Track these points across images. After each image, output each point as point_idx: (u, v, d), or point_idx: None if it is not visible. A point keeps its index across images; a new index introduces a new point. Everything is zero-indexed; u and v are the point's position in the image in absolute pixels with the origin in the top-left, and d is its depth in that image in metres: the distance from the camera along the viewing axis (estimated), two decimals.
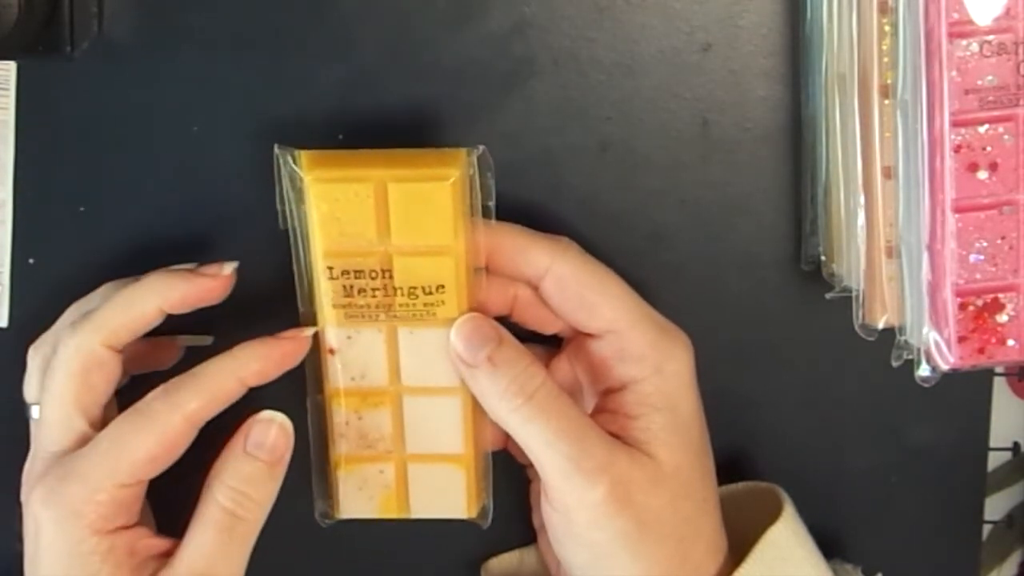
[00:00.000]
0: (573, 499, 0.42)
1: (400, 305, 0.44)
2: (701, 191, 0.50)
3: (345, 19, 0.48)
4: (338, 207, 0.43)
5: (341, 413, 0.46)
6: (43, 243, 0.50)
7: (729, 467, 0.51)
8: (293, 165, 0.43)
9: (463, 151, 0.43)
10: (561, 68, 0.49)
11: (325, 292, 0.44)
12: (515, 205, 0.49)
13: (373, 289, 0.44)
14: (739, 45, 0.49)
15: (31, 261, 0.50)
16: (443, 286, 0.43)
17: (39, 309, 0.50)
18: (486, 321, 0.44)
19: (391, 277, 0.43)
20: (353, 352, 0.45)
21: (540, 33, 0.49)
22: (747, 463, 0.52)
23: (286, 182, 0.44)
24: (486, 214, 0.44)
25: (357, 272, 0.43)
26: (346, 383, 0.45)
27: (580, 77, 0.49)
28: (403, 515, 0.47)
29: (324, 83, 0.49)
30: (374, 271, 0.43)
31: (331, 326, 0.45)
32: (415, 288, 0.43)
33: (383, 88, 0.49)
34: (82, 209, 0.50)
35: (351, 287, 0.44)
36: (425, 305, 0.44)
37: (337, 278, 0.44)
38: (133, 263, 0.50)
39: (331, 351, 0.45)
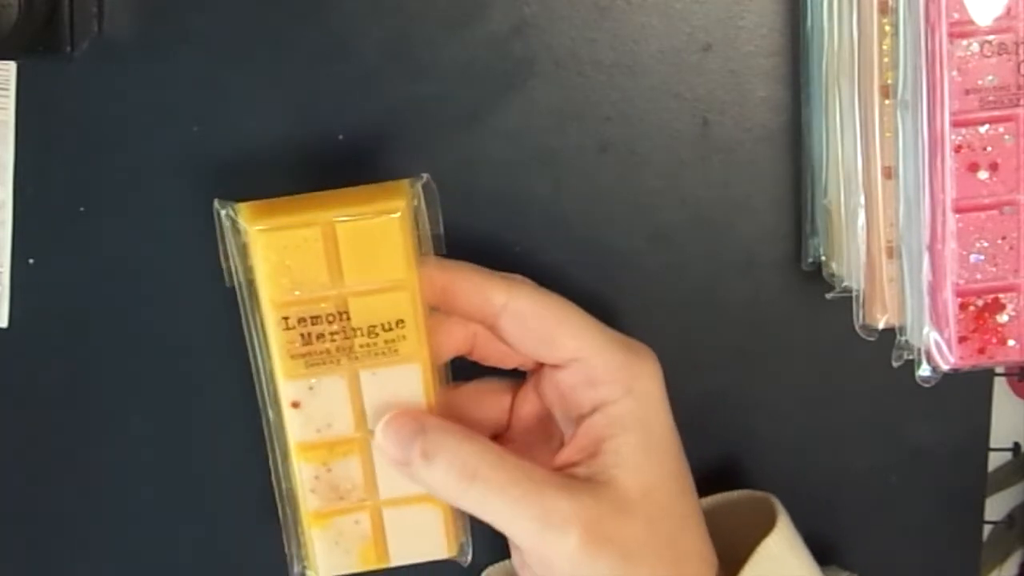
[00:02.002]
0: (550, 553, 0.42)
1: (361, 346, 0.43)
2: (701, 191, 0.50)
3: (345, 19, 0.48)
4: (287, 255, 0.42)
5: (309, 468, 0.45)
6: (43, 243, 0.50)
7: (728, 467, 0.51)
8: (235, 217, 0.42)
9: (406, 182, 0.43)
10: (561, 68, 0.49)
11: (282, 344, 0.43)
12: (515, 205, 0.49)
13: (332, 333, 0.43)
14: (739, 45, 0.49)
15: (31, 261, 0.50)
16: (402, 320, 0.43)
17: (39, 309, 0.50)
18: (405, 416, 0.43)
19: (348, 319, 0.43)
20: (316, 403, 0.44)
21: (540, 33, 0.49)
22: (747, 463, 0.52)
23: (228, 236, 0.43)
24: (436, 243, 0.44)
25: (313, 318, 0.43)
26: (311, 436, 0.44)
27: (580, 77, 0.49)
28: (383, 564, 0.46)
29: (324, 83, 0.49)
30: (331, 315, 0.43)
31: (291, 379, 0.44)
32: (374, 327, 0.43)
33: (383, 88, 0.49)
34: (82, 209, 0.50)
35: (308, 334, 0.43)
36: (387, 343, 0.43)
37: (293, 328, 0.43)
38: (133, 263, 0.50)
39: (294, 404, 0.44)
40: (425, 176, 0.43)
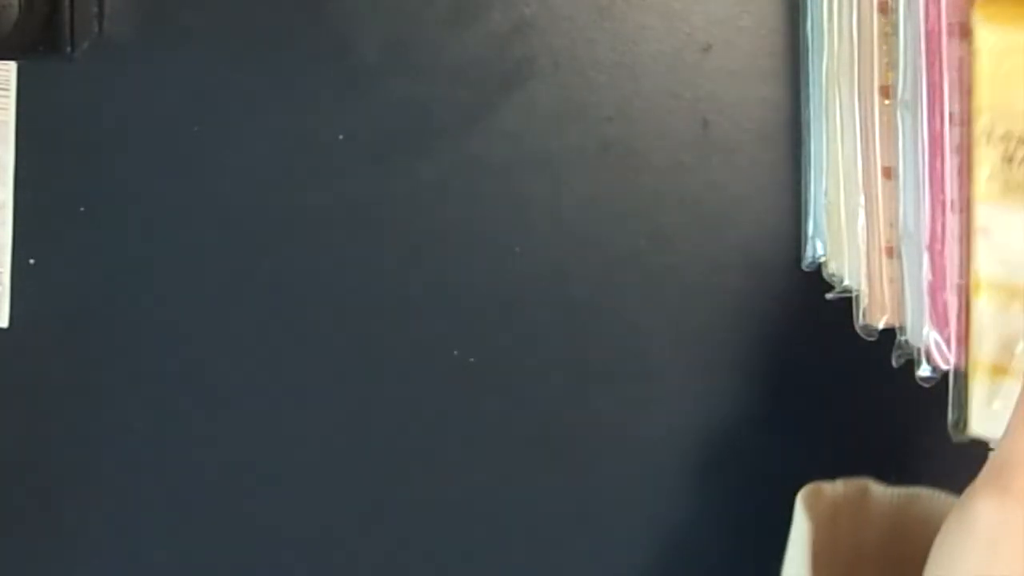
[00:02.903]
0: None
1: None
2: (701, 191, 0.50)
3: (345, 19, 0.49)
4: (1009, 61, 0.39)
5: (981, 307, 0.41)
6: (43, 243, 0.50)
7: (728, 467, 0.51)
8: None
9: None
10: (561, 68, 0.49)
11: (982, 160, 0.40)
12: (515, 205, 0.49)
13: None
14: (739, 45, 0.49)
15: (31, 261, 0.50)
16: None
17: (39, 309, 0.50)
18: None
19: None
20: (1001, 236, 0.40)
21: (540, 34, 0.49)
22: (747, 463, 0.52)
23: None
24: None
25: (1021, 140, 0.39)
26: (991, 271, 0.41)
27: (580, 77, 0.49)
28: None
29: (324, 83, 0.49)
30: None
31: (983, 201, 0.40)
32: None
33: (383, 88, 0.49)
34: (82, 209, 0.50)
35: (1011, 156, 0.39)
36: None
37: (996, 144, 0.40)
38: (133, 263, 0.50)
39: (981, 230, 0.41)
40: None
